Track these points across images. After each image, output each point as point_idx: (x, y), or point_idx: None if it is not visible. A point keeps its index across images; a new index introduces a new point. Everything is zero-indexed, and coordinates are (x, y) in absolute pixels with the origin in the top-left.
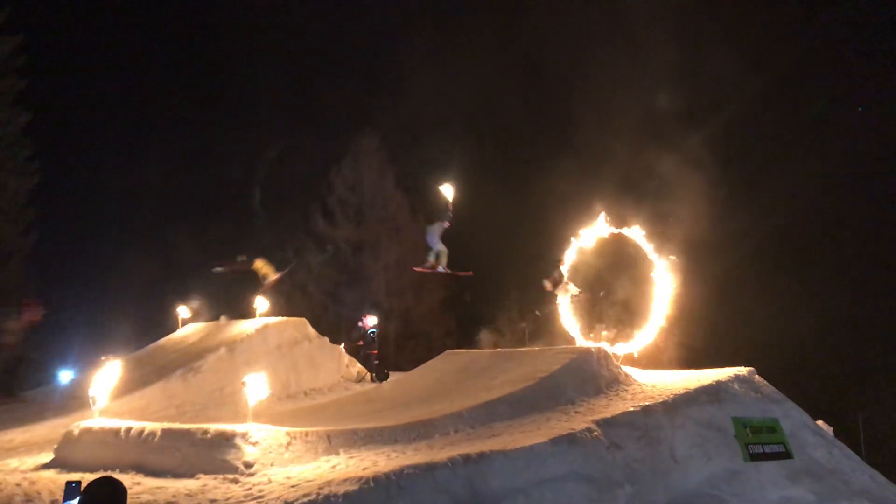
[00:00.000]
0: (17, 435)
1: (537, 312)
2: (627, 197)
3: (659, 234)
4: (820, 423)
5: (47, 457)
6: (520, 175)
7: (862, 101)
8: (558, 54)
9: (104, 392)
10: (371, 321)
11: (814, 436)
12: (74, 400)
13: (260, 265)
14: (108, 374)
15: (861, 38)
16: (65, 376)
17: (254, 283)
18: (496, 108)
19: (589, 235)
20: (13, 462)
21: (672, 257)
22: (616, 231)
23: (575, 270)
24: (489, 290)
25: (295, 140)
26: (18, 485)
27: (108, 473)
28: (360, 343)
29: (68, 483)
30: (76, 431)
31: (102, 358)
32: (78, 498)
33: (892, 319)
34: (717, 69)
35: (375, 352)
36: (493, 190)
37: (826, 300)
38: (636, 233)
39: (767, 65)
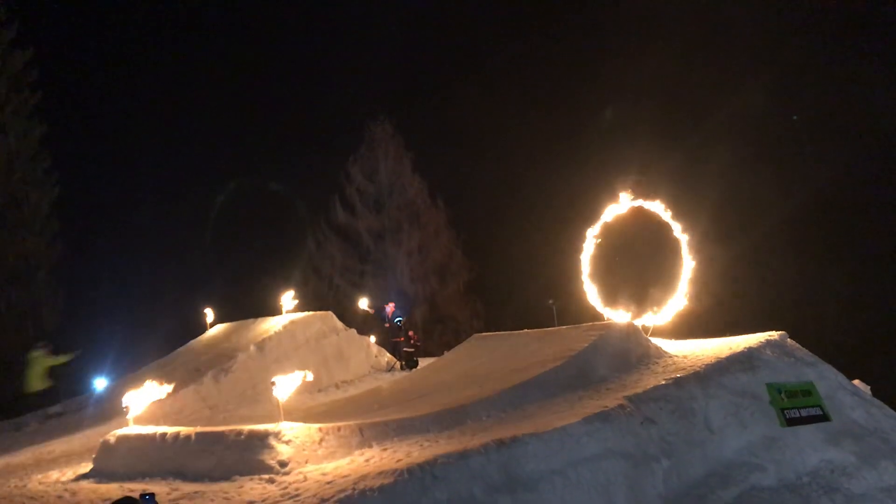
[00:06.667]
0: (57, 446)
1: (550, 302)
2: (655, 168)
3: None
4: (856, 382)
5: (86, 467)
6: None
7: None
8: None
9: (138, 399)
10: (395, 308)
11: (851, 396)
12: (110, 408)
13: None
14: (141, 383)
15: None
16: (99, 384)
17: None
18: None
19: (613, 211)
20: (54, 473)
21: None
22: (637, 204)
23: (599, 245)
24: (513, 268)
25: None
26: (60, 497)
27: (146, 481)
28: (388, 326)
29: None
30: (113, 440)
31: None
32: None
33: None
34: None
35: (402, 339)
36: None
37: (854, 256)
38: (657, 205)
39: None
